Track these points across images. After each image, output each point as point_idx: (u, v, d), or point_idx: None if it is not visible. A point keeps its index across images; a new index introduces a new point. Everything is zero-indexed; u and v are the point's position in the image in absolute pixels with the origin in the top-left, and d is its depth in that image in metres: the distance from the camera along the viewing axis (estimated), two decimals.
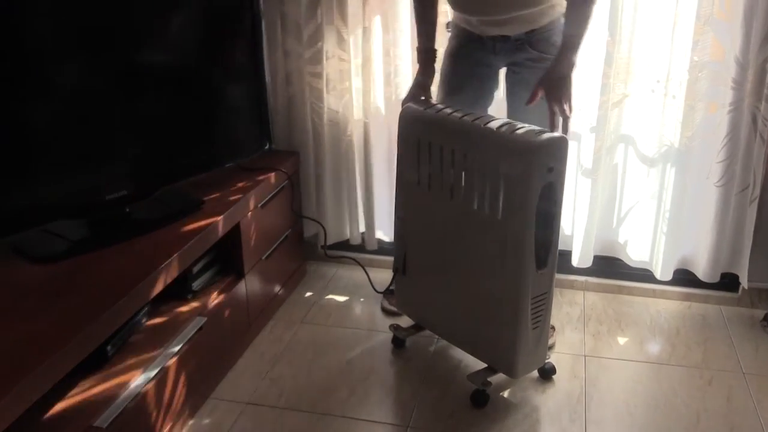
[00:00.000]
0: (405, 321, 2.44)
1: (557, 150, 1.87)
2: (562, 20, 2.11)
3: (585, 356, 2.35)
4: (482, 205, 1.98)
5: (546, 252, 1.96)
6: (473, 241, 2.05)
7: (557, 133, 1.94)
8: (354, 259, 2.78)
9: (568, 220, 2.71)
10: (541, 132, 1.87)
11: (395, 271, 2.36)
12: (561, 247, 2.69)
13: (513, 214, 1.91)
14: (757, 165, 2.38)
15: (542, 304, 2.01)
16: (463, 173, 2.02)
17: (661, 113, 2.45)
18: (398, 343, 2.41)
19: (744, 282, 2.53)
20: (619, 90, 2.45)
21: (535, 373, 2.23)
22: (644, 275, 2.68)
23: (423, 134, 2.11)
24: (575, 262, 2.67)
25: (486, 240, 2.01)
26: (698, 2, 2.27)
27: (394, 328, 2.40)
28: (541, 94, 2.03)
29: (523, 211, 1.89)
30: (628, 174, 2.61)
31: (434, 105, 2.15)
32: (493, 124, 1.95)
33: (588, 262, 2.66)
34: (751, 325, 2.51)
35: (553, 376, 2.23)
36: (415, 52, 2.28)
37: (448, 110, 2.08)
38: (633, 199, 2.64)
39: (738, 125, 2.37)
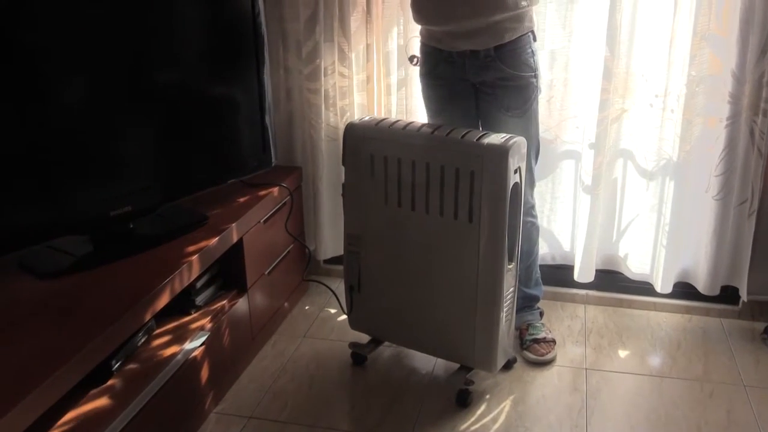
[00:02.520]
0: (365, 337, 2.42)
1: (521, 151, 2.02)
2: (531, 37, 2.15)
3: (586, 369, 2.36)
4: (449, 211, 2.04)
5: (512, 247, 2.05)
6: (440, 248, 2.09)
7: (516, 137, 2.01)
8: (326, 285, 2.71)
9: (569, 235, 2.73)
10: (506, 137, 1.99)
11: (350, 289, 2.33)
12: (562, 262, 2.75)
13: (489, 214, 1.99)
14: (755, 178, 2.40)
15: (511, 297, 2.13)
16: (426, 183, 2.06)
17: (659, 127, 2.47)
18: (358, 359, 2.39)
19: (743, 295, 2.54)
20: (618, 105, 2.47)
21: (535, 388, 2.24)
22: (645, 288, 2.69)
23: (376, 149, 2.13)
24: (576, 276, 2.68)
25: (455, 244, 2.06)
26: (695, 17, 2.30)
27: (353, 345, 2.39)
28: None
29: (498, 210, 1.98)
30: (628, 188, 2.62)
31: (384, 119, 2.17)
32: (456, 133, 2.02)
33: (590, 277, 2.66)
34: (751, 338, 2.52)
35: (553, 385, 2.24)
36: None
37: (402, 123, 2.12)
38: (633, 213, 2.65)
39: (736, 139, 2.39)
